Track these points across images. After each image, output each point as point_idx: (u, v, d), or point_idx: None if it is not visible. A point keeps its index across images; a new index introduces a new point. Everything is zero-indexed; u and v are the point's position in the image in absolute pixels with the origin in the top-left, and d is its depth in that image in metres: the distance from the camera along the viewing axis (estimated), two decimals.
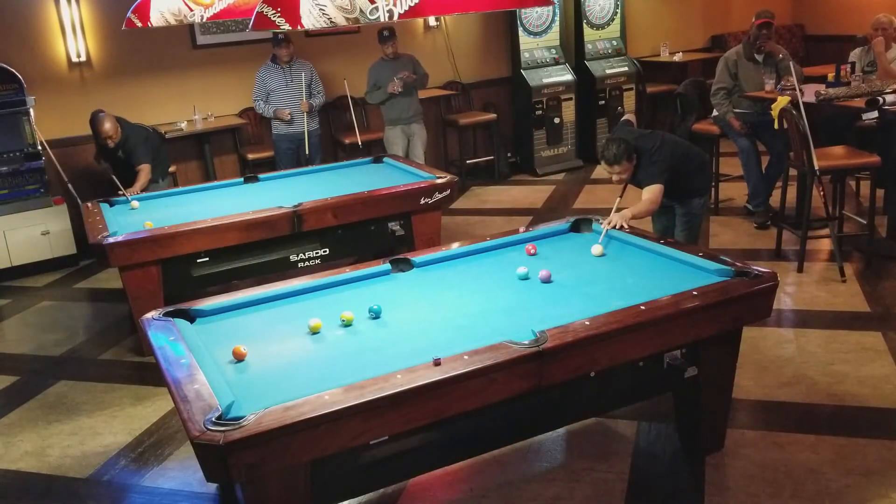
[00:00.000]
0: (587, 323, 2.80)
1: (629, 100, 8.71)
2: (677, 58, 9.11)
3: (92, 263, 6.51)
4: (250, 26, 2.90)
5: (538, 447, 3.58)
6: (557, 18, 8.42)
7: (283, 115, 6.77)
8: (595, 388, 3.07)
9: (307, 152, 6.79)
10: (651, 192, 4.22)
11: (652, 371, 3.18)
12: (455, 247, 3.88)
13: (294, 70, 6.79)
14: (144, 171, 5.80)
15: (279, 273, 4.59)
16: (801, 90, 5.34)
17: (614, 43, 8.73)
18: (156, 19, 4.32)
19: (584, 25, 8.52)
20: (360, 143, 6.99)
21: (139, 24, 4.42)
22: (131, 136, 5.86)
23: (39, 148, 6.30)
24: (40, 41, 6.64)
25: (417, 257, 3.72)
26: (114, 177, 5.59)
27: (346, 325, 3.06)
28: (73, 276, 6.45)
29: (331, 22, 2.72)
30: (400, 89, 6.81)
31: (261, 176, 5.89)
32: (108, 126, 5.74)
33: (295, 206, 4.75)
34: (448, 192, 5.13)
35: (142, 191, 5.66)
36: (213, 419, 2.34)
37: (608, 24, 8.67)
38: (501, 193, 7.95)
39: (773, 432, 3.58)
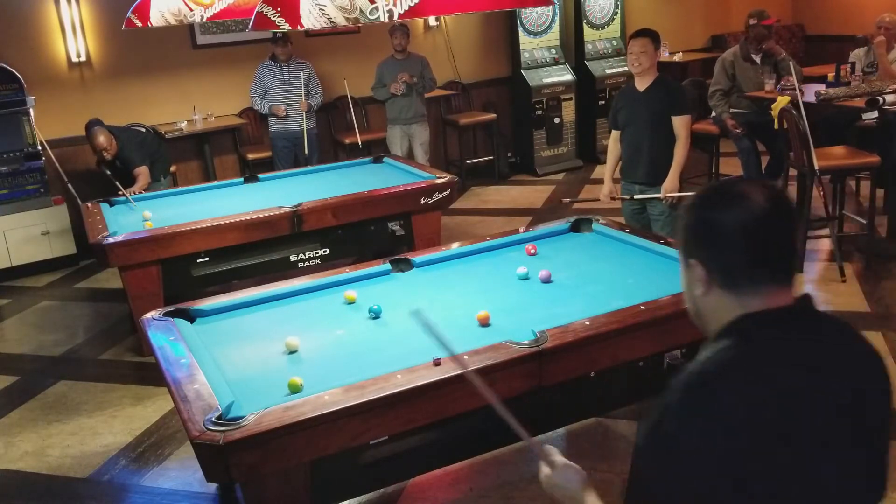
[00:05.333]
0: (587, 323, 2.80)
1: None
2: (677, 58, 9.11)
3: (92, 263, 6.51)
4: (250, 26, 2.90)
5: None
6: (557, 18, 8.42)
7: (278, 112, 6.77)
8: (595, 388, 3.07)
9: (305, 152, 6.80)
10: (686, 126, 4.48)
11: (652, 371, 3.18)
12: (455, 247, 3.89)
13: (292, 69, 6.79)
14: (143, 174, 5.79)
15: (279, 273, 4.59)
16: (801, 90, 5.34)
17: (614, 43, 8.73)
18: (156, 19, 4.32)
19: (584, 25, 8.52)
20: (360, 143, 6.99)
21: (139, 24, 4.42)
22: (126, 145, 5.84)
23: (39, 148, 6.29)
24: (40, 41, 6.63)
25: (417, 257, 3.72)
26: (116, 182, 5.57)
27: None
28: (73, 276, 6.44)
29: (331, 22, 2.72)
30: (402, 90, 6.82)
31: (261, 176, 5.89)
32: (101, 139, 5.71)
33: (295, 206, 4.75)
34: (448, 192, 5.13)
35: (142, 191, 5.66)
36: (213, 419, 2.34)
37: (608, 24, 8.67)
38: (501, 193, 7.95)
39: None
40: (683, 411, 1.33)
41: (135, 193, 5.52)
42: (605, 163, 5.10)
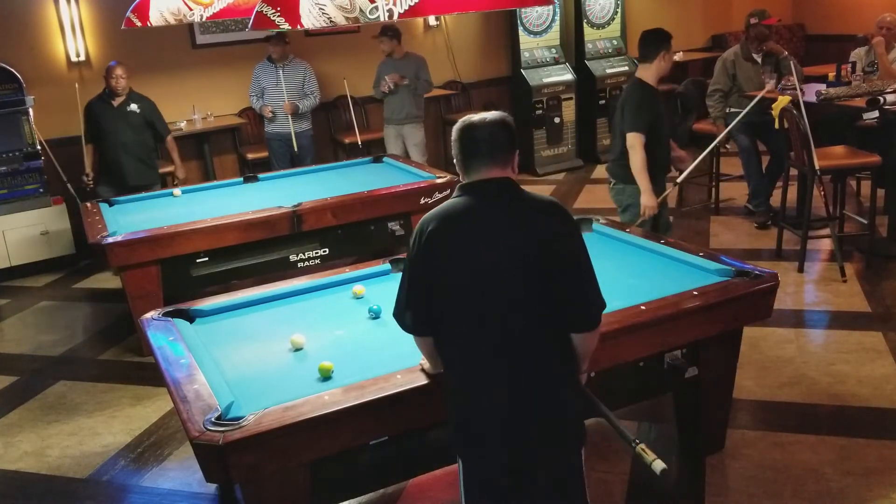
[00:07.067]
0: None
1: None
2: (678, 57, 9.07)
3: (91, 263, 6.50)
4: (250, 26, 2.89)
5: None
6: (557, 18, 8.41)
7: (264, 112, 6.78)
8: (595, 388, 3.06)
9: (295, 149, 6.77)
10: None
11: (652, 371, 3.18)
12: None
13: (287, 69, 6.76)
14: (174, 144, 6.16)
15: (279, 273, 4.59)
16: (801, 90, 5.33)
17: (614, 42, 8.72)
18: (155, 19, 4.31)
19: (585, 25, 8.52)
20: (359, 143, 6.98)
21: (138, 24, 4.41)
22: (155, 106, 6.08)
23: (38, 148, 6.29)
24: (40, 41, 6.63)
25: None
26: (87, 176, 5.81)
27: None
28: (73, 276, 6.44)
29: (330, 21, 2.72)
30: (389, 88, 6.84)
31: (260, 176, 5.88)
32: (120, 70, 5.90)
33: (294, 206, 4.75)
34: (448, 191, 5.12)
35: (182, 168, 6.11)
36: (213, 419, 2.33)
37: (608, 24, 8.67)
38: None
39: (773, 432, 3.57)
40: None
41: (179, 173, 6.12)
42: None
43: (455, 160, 2.30)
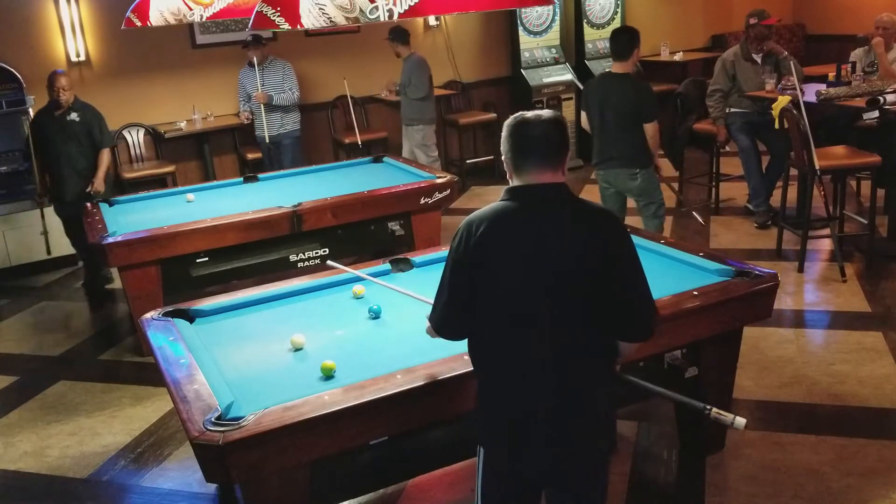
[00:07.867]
0: None
1: None
2: (678, 57, 9.10)
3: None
4: (250, 26, 2.89)
5: None
6: (557, 18, 8.41)
7: (241, 117, 6.81)
8: None
9: (267, 140, 6.75)
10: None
11: (652, 371, 3.17)
12: None
13: (266, 71, 6.75)
14: (107, 155, 5.77)
15: (279, 273, 4.58)
16: (801, 90, 5.33)
17: None
18: (155, 18, 4.31)
19: (585, 25, 8.52)
20: (360, 143, 6.98)
21: (138, 24, 4.41)
22: (97, 114, 5.77)
23: None
24: (40, 41, 6.63)
25: (417, 257, 3.72)
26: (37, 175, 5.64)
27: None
28: (73, 276, 6.43)
29: (331, 21, 2.72)
30: (386, 93, 6.93)
31: (260, 176, 5.88)
32: (64, 81, 5.61)
33: (294, 206, 4.75)
34: (448, 191, 5.13)
35: (104, 179, 5.73)
36: (213, 419, 2.33)
37: (608, 24, 8.66)
38: (501, 193, 7.92)
39: (773, 432, 3.57)
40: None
41: (100, 181, 5.63)
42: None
43: (504, 158, 2.22)
